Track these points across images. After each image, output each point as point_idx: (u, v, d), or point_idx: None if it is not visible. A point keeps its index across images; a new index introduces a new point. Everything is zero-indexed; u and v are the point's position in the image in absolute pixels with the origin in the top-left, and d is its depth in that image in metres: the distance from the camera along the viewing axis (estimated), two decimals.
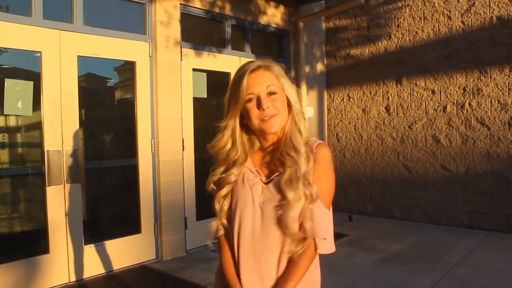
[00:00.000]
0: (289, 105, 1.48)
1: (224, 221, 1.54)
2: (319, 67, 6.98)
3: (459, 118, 5.76)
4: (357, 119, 6.75)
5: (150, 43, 4.65)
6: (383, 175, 6.48)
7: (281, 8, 6.20)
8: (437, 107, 5.94)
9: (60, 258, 3.96)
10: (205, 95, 5.27)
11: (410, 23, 6.15)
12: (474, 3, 5.60)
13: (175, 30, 4.81)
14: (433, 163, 6.00)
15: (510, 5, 5.35)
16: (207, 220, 4.91)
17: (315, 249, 1.42)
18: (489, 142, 5.54)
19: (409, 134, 6.21)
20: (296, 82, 6.26)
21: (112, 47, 4.35)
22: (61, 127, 3.98)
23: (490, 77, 5.51)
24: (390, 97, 6.39)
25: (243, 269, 1.46)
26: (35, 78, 3.85)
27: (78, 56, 4.09)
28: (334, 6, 6.46)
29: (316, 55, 6.89)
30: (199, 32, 5.48)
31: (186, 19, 5.09)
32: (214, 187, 1.55)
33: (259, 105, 1.43)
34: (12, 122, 3.94)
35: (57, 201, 3.94)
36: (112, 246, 4.35)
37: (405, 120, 6.25)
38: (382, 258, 4.64)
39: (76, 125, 4.08)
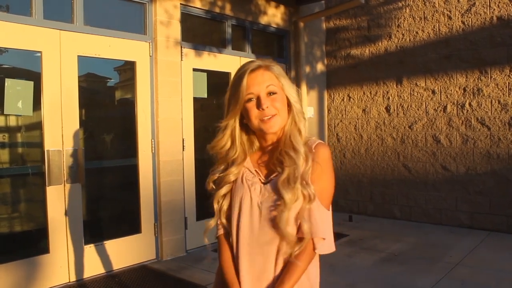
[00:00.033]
0: (289, 105, 1.48)
1: (224, 221, 1.54)
2: (319, 67, 6.98)
3: (459, 118, 5.76)
4: (357, 119, 6.75)
5: (151, 43, 4.65)
6: (383, 175, 6.48)
7: (282, 8, 6.20)
8: (437, 107, 5.94)
9: (60, 258, 3.96)
10: (205, 95, 5.27)
11: (410, 23, 6.15)
12: (475, 3, 5.60)
13: (176, 30, 4.81)
14: (433, 163, 6.00)
15: (510, 5, 5.35)
16: (207, 220, 4.90)
17: (313, 249, 1.41)
18: (489, 142, 5.54)
19: (409, 134, 6.21)
20: (297, 82, 6.26)
21: (112, 47, 4.35)
22: (61, 127, 3.98)
23: (491, 77, 5.51)
24: (390, 97, 6.39)
25: (242, 269, 1.46)
26: (36, 78, 3.85)
27: (78, 56, 4.10)
28: (335, 6, 6.46)
29: (316, 55, 6.89)
30: (199, 32, 5.48)
31: (187, 19, 5.09)
32: (214, 187, 1.55)
33: (258, 105, 1.43)
34: (12, 122, 3.94)
35: (57, 201, 3.94)
36: (112, 246, 4.35)
37: (405, 120, 6.25)
38: (382, 258, 4.64)
39: (76, 125, 4.08)
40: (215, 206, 1.54)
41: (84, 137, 4.28)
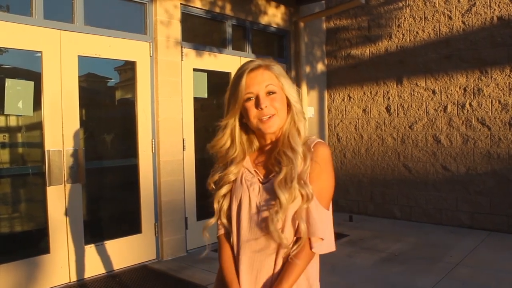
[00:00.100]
0: (288, 105, 1.48)
1: (224, 221, 1.54)
2: (320, 67, 6.98)
3: (460, 118, 5.76)
4: (358, 119, 6.75)
5: (151, 43, 4.65)
6: (384, 175, 6.48)
7: (282, 8, 6.21)
8: (438, 107, 5.94)
9: (60, 258, 3.96)
10: (205, 95, 5.27)
11: (410, 23, 6.15)
12: (475, 3, 5.60)
13: (176, 30, 4.81)
14: (434, 163, 6.00)
15: (510, 5, 5.35)
16: (207, 220, 4.91)
17: (311, 248, 1.41)
18: (489, 142, 5.54)
19: (410, 134, 6.21)
20: (297, 82, 6.26)
21: (112, 47, 4.35)
22: (61, 127, 3.98)
23: (491, 77, 5.51)
24: (390, 97, 6.39)
25: (241, 268, 1.46)
26: (36, 78, 3.85)
27: (78, 56, 4.10)
28: (335, 6, 6.46)
29: (316, 55, 6.89)
30: (199, 32, 5.48)
31: (187, 19, 5.09)
32: (214, 187, 1.55)
33: (257, 104, 1.42)
34: (12, 122, 3.94)
35: (58, 201, 3.94)
36: (113, 246, 4.35)
37: (405, 120, 6.25)
38: (382, 258, 4.64)
39: (76, 125, 4.08)
40: (215, 206, 1.54)
41: (85, 137, 4.28)
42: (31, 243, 4.01)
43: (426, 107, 6.05)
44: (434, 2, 5.93)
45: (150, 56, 4.65)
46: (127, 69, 4.66)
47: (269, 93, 1.44)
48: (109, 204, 4.72)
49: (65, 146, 3.99)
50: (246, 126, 1.52)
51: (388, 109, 6.41)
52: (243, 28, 5.77)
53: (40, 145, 3.91)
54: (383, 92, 6.46)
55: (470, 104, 5.68)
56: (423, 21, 6.04)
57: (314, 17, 6.47)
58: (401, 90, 6.28)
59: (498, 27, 5.43)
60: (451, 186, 5.84)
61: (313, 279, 1.49)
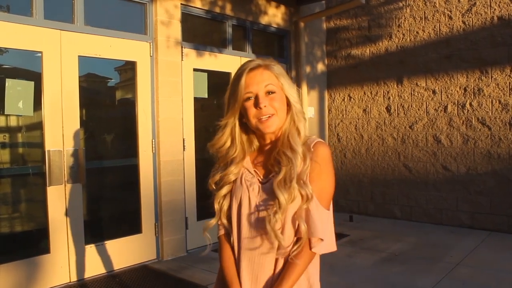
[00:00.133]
0: (288, 104, 1.47)
1: (224, 221, 1.54)
2: (320, 67, 6.98)
3: (460, 118, 5.76)
4: (358, 119, 6.75)
5: (151, 43, 4.65)
6: (384, 175, 6.47)
7: (282, 8, 6.21)
8: (438, 107, 5.94)
9: (60, 258, 3.96)
10: (206, 95, 5.27)
11: (411, 23, 6.15)
12: (475, 3, 5.60)
13: (176, 30, 4.81)
14: (434, 163, 6.00)
15: (511, 5, 5.34)
16: (208, 220, 4.90)
17: (311, 248, 1.41)
18: (490, 142, 5.54)
19: (410, 134, 6.21)
20: (297, 82, 6.26)
21: (113, 47, 4.35)
22: (62, 127, 3.98)
23: (491, 77, 5.51)
24: (391, 97, 6.39)
25: (242, 269, 1.46)
26: (36, 78, 3.85)
27: (79, 56, 4.10)
28: (335, 6, 6.46)
29: (316, 55, 6.89)
30: (200, 32, 5.48)
31: (187, 19, 5.09)
32: (215, 187, 1.55)
33: (256, 104, 1.42)
34: (13, 122, 3.95)
35: (58, 201, 3.95)
36: (113, 246, 4.35)
37: (405, 120, 6.25)
38: (382, 258, 4.64)
39: (77, 125, 4.09)
40: (216, 206, 1.54)
41: (85, 137, 4.28)
42: (32, 243, 4.01)
43: (426, 107, 6.04)
44: (435, 2, 5.93)
45: (151, 56, 4.65)
46: (127, 69, 4.66)
47: (269, 92, 1.43)
48: (109, 204, 4.72)
49: (65, 146, 3.99)
50: (246, 126, 1.52)
51: (388, 109, 6.41)
52: (243, 28, 5.77)
53: (41, 145, 3.91)
54: (384, 92, 6.46)
55: (471, 104, 5.68)
56: (423, 21, 6.04)
57: (314, 17, 6.47)
58: (401, 90, 6.28)
59: (499, 27, 5.43)
60: (452, 186, 5.84)
61: (313, 279, 1.49)
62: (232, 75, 1.52)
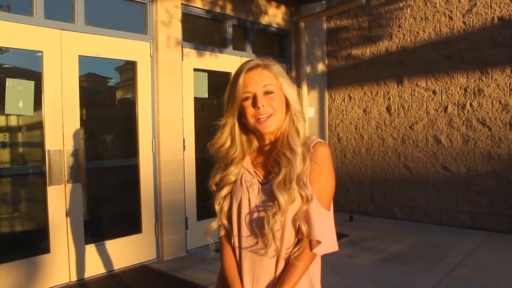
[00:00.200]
0: (287, 104, 1.47)
1: (225, 222, 1.53)
2: (320, 67, 6.98)
3: (460, 118, 5.76)
4: (358, 119, 6.75)
5: (151, 43, 4.65)
6: (384, 175, 6.47)
7: (282, 8, 6.20)
8: (438, 108, 5.94)
9: (61, 258, 3.96)
10: (206, 95, 5.27)
11: (411, 24, 6.14)
12: (476, 3, 5.60)
13: (176, 30, 4.81)
14: (434, 163, 5.99)
15: (511, 5, 5.34)
16: (208, 220, 4.91)
17: (311, 249, 1.41)
18: (490, 142, 5.54)
19: (410, 134, 6.20)
20: (297, 82, 6.26)
21: (113, 47, 4.35)
22: (62, 127, 3.98)
23: (491, 77, 5.51)
24: (391, 98, 6.39)
25: (244, 269, 1.46)
26: (36, 77, 3.85)
27: (79, 56, 4.10)
28: (335, 6, 6.46)
29: (317, 55, 6.89)
30: (200, 32, 5.48)
31: (187, 19, 5.09)
32: (215, 188, 1.55)
33: (254, 103, 1.42)
34: (13, 121, 3.95)
35: (58, 201, 3.95)
36: (113, 246, 4.35)
37: (406, 121, 6.24)
38: (383, 258, 4.63)
39: (77, 124, 4.08)
40: (216, 207, 1.53)
41: (85, 137, 4.28)
42: (32, 243, 4.01)
43: (426, 107, 6.04)
44: (435, 3, 5.93)
45: (151, 56, 4.65)
46: (128, 69, 4.66)
47: (267, 92, 1.43)
48: (109, 204, 4.72)
49: (65, 146, 3.99)
50: (245, 126, 1.51)
51: (388, 109, 6.41)
52: (244, 28, 5.77)
53: (41, 144, 3.91)
54: (384, 92, 6.45)
55: (471, 105, 5.67)
56: (423, 21, 6.03)
57: (314, 17, 6.47)
58: (401, 90, 6.28)
59: (499, 27, 5.43)
60: (452, 187, 5.84)
61: (315, 279, 1.48)
62: (232, 75, 1.51)
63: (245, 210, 1.46)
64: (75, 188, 4.06)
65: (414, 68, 6.12)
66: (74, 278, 4.05)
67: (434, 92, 5.97)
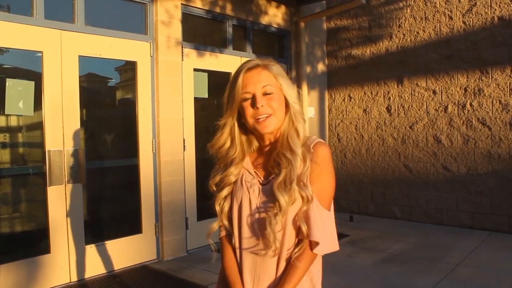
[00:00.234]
0: (287, 105, 1.46)
1: (226, 223, 1.53)
2: (320, 67, 6.98)
3: (460, 118, 5.76)
4: (358, 119, 6.75)
5: (151, 43, 4.65)
6: (384, 175, 6.47)
7: (282, 8, 6.20)
8: (438, 108, 5.94)
9: (61, 258, 3.96)
10: (206, 95, 5.27)
11: (411, 24, 6.14)
12: (476, 3, 5.59)
13: (176, 30, 4.81)
14: (434, 163, 5.99)
15: (511, 5, 5.34)
16: (208, 220, 4.91)
17: (311, 249, 1.41)
18: (490, 142, 5.54)
19: (410, 134, 6.20)
20: (297, 82, 6.26)
21: (113, 47, 4.35)
22: (62, 127, 3.98)
23: (491, 77, 5.51)
24: (391, 97, 6.39)
25: (244, 270, 1.46)
26: (37, 78, 3.85)
27: (79, 56, 4.10)
28: (335, 6, 6.46)
29: (317, 55, 6.89)
30: (200, 32, 5.48)
31: (187, 19, 5.09)
32: (215, 189, 1.54)
33: (253, 104, 1.41)
34: (13, 122, 3.95)
35: (58, 201, 3.95)
36: (113, 246, 4.35)
37: (406, 120, 6.24)
38: (383, 259, 4.63)
39: (77, 125, 4.08)
40: (217, 208, 1.53)
41: (85, 137, 4.28)
42: (32, 243, 4.01)
43: (426, 107, 6.04)
44: (435, 2, 5.93)
45: (151, 56, 4.65)
46: (128, 69, 4.66)
47: (266, 93, 1.42)
48: (109, 204, 4.72)
49: (65, 146, 3.99)
50: (245, 127, 1.51)
51: (388, 109, 6.41)
52: (244, 28, 5.77)
53: (41, 145, 3.91)
54: (384, 92, 6.45)
55: (471, 104, 5.67)
56: (423, 21, 6.03)
57: (314, 17, 6.47)
58: (401, 90, 6.28)
59: (499, 27, 5.43)
60: (452, 186, 5.84)
61: (316, 279, 1.49)
62: (232, 75, 1.51)
63: (245, 210, 1.46)
64: (75, 188, 4.06)
65: (414, 68, 6.12)
66: (74, 278, 4.05)
67: (434, 92, 5.97)
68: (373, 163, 6.59)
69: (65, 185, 3.98)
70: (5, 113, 3.79)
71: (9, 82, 3.71)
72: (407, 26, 6.18)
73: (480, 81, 5.59)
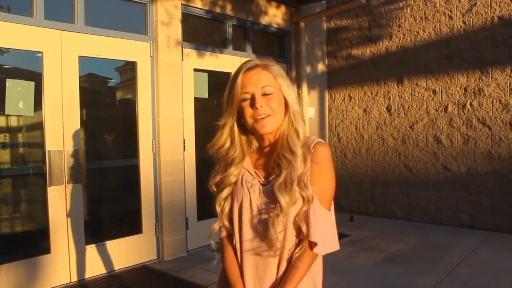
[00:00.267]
0: (286, 106, 1.46)
1: (226, 223, 1.53)
2: (320, 67, 6.98)
3: (460, 118, 5.76)
4: (358, 119, 6.75)
5: (151, 43, 4.65)
6: (384, 175, 6.47)
7: (282, 8, 6.20)
8: (438, 107, 5.94)
9: (61, 258, 3.96)
10: (206, 95, 5.27)
11: (411, 23, 6.14)
12: (476, 3, 5.59)
13: (176, 30, 4.81)
14: (434, 163, 5.99)
15: (511, 5, 5.34)
16: (208, 220, 4.91)
17: (312, 249, 1.41)
18: (490, 142, 5.54)
19: (410, 134, 6.20)
20: (297, 82, 6.26)
21: (113, 47, 4.35)
22: (62, 127, 3.98)
23: (492, 77, 5.51)
24: (391, 97, 6.39)
25: (246, 270, 1.46)
26: (37, 78, 3.85)
27: (79, 56, 4.10)
28: (335, 6, 6.46)
29: (317, 55, 6.89)
30: (200, 32, 5.48)
31: (187, 19, 5.09)
32: (216, 189, 1.54)
33: (252, 104, 1.41)
34: (13, 122, 3.95)
35: (58, 201, 3.95)
36: (113, 246, 4.35)
37: (406, 120, 6.24)
38: (383, 259, 4.63)
39: (77, 125, 4.09)
40: (217, 209, 1.53)
41: (85, 138, 4.28)
42: (32, 243, 4.01)
43: (426, 107, 6.04)
44: (435, 2, 5.93)
45: (151, 56, 4.65)
46: (128, 69, 4.67)
47: (265, 93, 1.42)
48: (109, 204, 4.72)
49: (65, 146, 3.99)
50: (245, 127, 1.51)
51: (388, 109, 6.41)
52: (244, 28, 5.77)
53: (41, 145, 3.91)
54: (384, 92, 6.45)
55: (471, 104, 5.67)
56: (423, 21, 6.03)
57: (314, 17, 6.47)
58: (401, 90, 6.28)
59: (499, 27, 5.43)
60: (452, 186, 5.84)
61: (317, 279, 1.49)
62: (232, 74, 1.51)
63: (246, 211, 1.46)
64: (76, 188, 4.06)
65: (414, 68, 6.12)
66: (74, 278, 4.05)
67: (434, 92, 5.97)
68: (373, 163, 6.59)
69: (65, 185, 3.98)
70: (5, 114, 3.79)
71: (9, 83, 3.71)
72: (407, 26, 6.18)
73: (480, 81, 5.59)
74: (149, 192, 4.64)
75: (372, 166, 6.61)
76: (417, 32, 6.08)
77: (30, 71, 3.99)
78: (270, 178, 1.46)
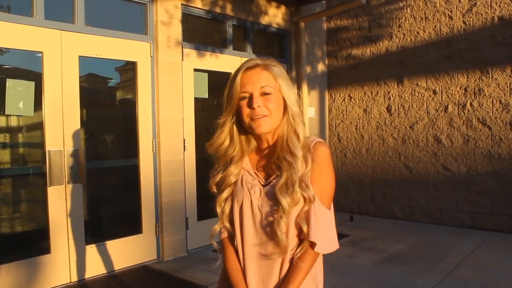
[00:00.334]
0: (285, 107, 1.46)
1: (227, 224, 1.53)
2: (320, 67, 6.98)
3: (461, 118, 5.76)
4: (358, 119, 6.75)
5: (151, 43, 4.65)
6: (384, 175, 6.47)
7: (283, 8, 6.20)
8: (439, 107, 5.94)
9: (61, 258, 3.96)
10: (206, 95, 5.27)
11: (411, 23, 6.14)
12: (476, 3, 5.59)
13: (176, 30, 4.81)
14: (435, 163, 5.99)
15: (511, 5, 5.34)
16: (208, 220, 4.92)
17: (313, 248, 1.41)
18: (490, 142, 5.54)
19: (410, 134, 6.20)
20: (297, 82, 6.26)
21: (113, 47, 4.35)
22: (62, 127, 3.98)
23: (492, 77, 5.51)
24: (391, 97, 6.39)
25: (248, 271, 1.46)
26: (37, 78, 3.85)
27: (79, 56, 4.10)
28: (335, 6, 6.46)
29: (317, 55, 6.89)
30: (200, 32, 5.48)
31: (187, 19, 5.09)
32: (216, 190, 1.54)
33: (250, 104, 1.41)
34: (13, 122, 3.95)
35: (59, 201, 3.95)
36: (113, 246, 4.35)
37: (406, 120, 6.24)
38: (383, 259, 4.63)
39: (77, 125, 4.09)
40: (218, 210, 1.53)
41: (85, 138, 4.28)
42: (32, 243, 4.01)
43: (427, 107, 6.04)
44: (435, 2, 5.93)
45: (151, 56, 4.65)
46: (128, 69, 4.67)
47: (264, 93, 1.42)
48: (110, 204, 4.72)
49: (66, 146, 3.99)
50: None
51: (389, 109, 6.41)
52: (244, 28, 5.77)
53: (41, 145, 3.91)
54: (384, 92, 6.45)
55: (471, 104, 5.67)
56: (423, 21, 6.03)
57: (314, 17, 6.47)
58: (402, 90, 6.28)
59: (499, 27, 5.43)
60: (452, 186, 5.84)
61: (318, 278, 1.50)
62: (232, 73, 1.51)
63: (247, 212, 1.46)
64: (76, 188, 4.06)
65: (414, 68, 6.12)
66: (74, 278, 4.05)
67: (434, 92, 5.97)
68: (373, 163, 6.59)
69: (65, 185, 3.98)
70: (5, 114, 3.79)
71: (9, 83, 3.71)
72: (407, 26, 6.18)
73: (480, 81, 5.59)
74: (149, 192, 4.64)
75: (372, 166, 6.61)
76: (417, 32, 6.09)
77: (30, 71, 3.99)
78: (271, 179, 1.45)
